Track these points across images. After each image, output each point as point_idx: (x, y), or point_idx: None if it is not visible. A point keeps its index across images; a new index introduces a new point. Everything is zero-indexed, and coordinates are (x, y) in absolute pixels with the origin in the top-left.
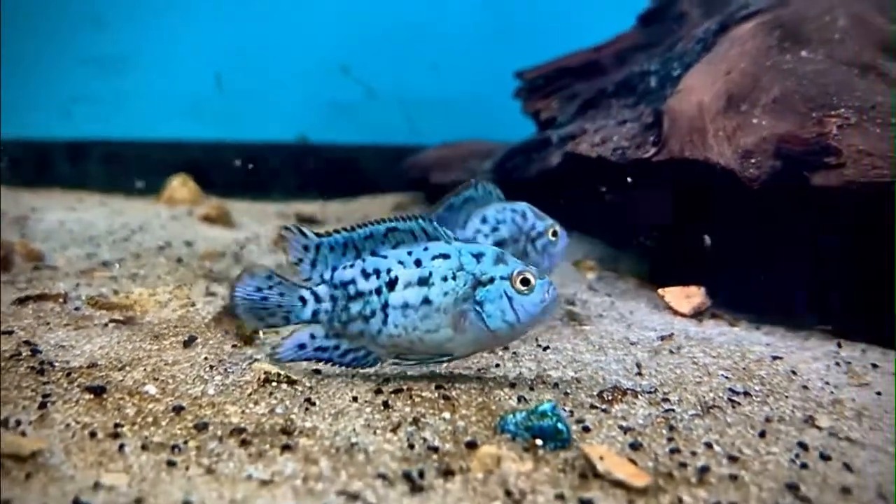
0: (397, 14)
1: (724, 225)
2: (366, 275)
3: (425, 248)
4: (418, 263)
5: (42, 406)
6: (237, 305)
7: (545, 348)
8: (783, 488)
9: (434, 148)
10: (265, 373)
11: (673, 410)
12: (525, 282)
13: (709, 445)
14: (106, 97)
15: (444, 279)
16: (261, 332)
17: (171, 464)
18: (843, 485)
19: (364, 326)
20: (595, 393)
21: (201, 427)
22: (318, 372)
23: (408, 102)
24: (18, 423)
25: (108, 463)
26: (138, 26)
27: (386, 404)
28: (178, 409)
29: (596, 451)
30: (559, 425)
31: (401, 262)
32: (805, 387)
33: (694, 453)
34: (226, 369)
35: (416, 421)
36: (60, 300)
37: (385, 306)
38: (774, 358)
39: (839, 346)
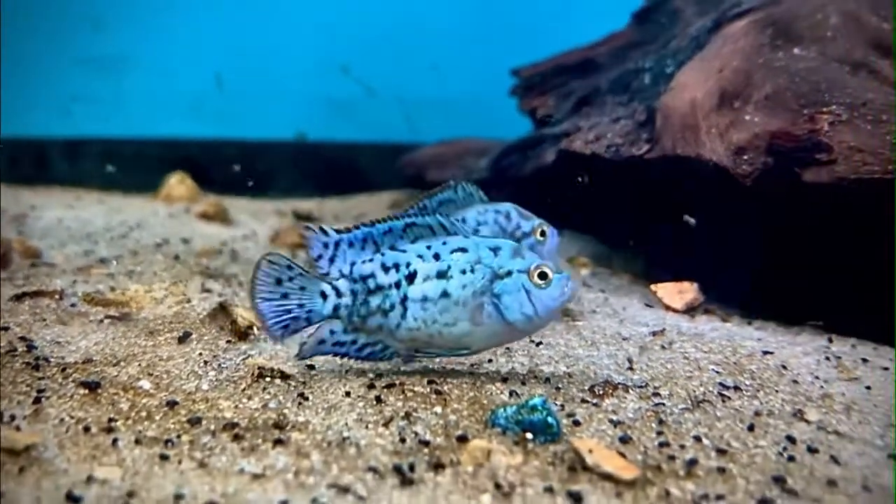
0: (396, 13)
1: (717, 221)
2: (385, 269)
3: (444, 243)
4: (437, 257)
5: (37, 401)
6: (262, 312)
7: (538, 344)
8: (770, 481)
9: (430, 145)
10: (259, 368)
11: (663, 404)
12: (543, 276)
13: (697, 439)
14: (105, 96)
15: (463, 272)
16: (255, 329)
17: (164, 458)
18: (829, 477)
19: (383, 320)
20: (586, 387)
21: (195, 422)
22: (311, 367)
23: (406, 101)
24: (13, 417)
25: (101, 457)
26: (137, 25)
27: (378, 399)
28: (171, 404)
29: (585, 445)
30: (549, 419)
31: (420, 256)
32: (795, 381)
33: (683, 446)
34: (220, 365)
35: (407, 415)
36: (57, 297)
37: (404, 300)
38: (765, 353)
39: (830, 341)
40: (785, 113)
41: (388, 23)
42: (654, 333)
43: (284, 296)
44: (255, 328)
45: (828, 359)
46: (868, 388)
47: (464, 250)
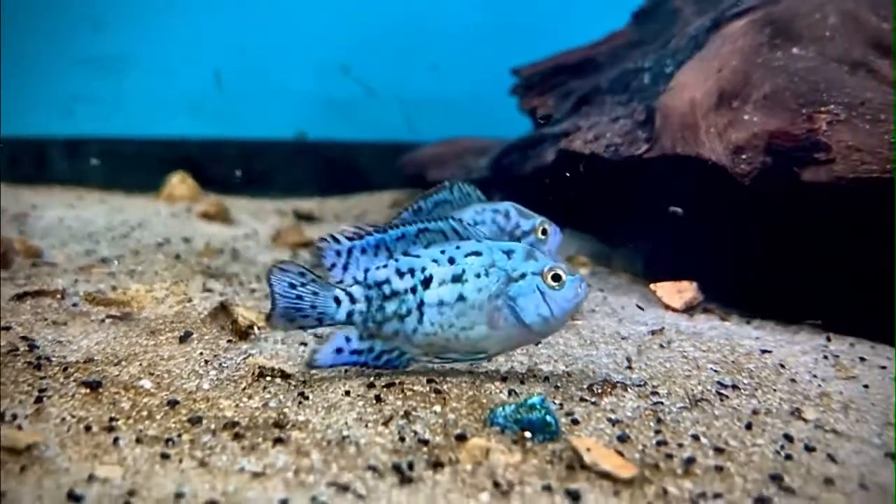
0: (396, 12)
1: (715, 220)
2: (400, 274)
3: (457, 247)
4: (451, 261)
5: (38, 400)
6: (277, 303)
7: (537, 343)
8: (767, 479)
9: (431, 145)
10: (259, 367)
11: (662, 403)
12: (556, 277)
13: (695, 437)
14: (105, 95)
15: (478, 276)
16: (256, 329)
17: (164, 456)
18: (826, 476)
19: (399, 326)
20: (585, 386)
21: (195, 421)
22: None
23: (406, 100)
24: (15, 416)
25: (102, 455)
26: (138, 25)
27: (378, 398)
28: (172, 404)
29: (583, 443)
30: (548, 418)
31: (434, 261)
32: (793, 380)
33: (681, 445)
34: (221, 364)
35: (407, 414)
36: (58, 296)
37: (421, 304)
38: (763, 351)
39: (828, 339)
40: (784, 112)
41: (387, 22)
42: (652, 332)
43: (298, 297)
44: (255, 328)
45: (826, 357)
46: (866, 386)
47: (478, 254)
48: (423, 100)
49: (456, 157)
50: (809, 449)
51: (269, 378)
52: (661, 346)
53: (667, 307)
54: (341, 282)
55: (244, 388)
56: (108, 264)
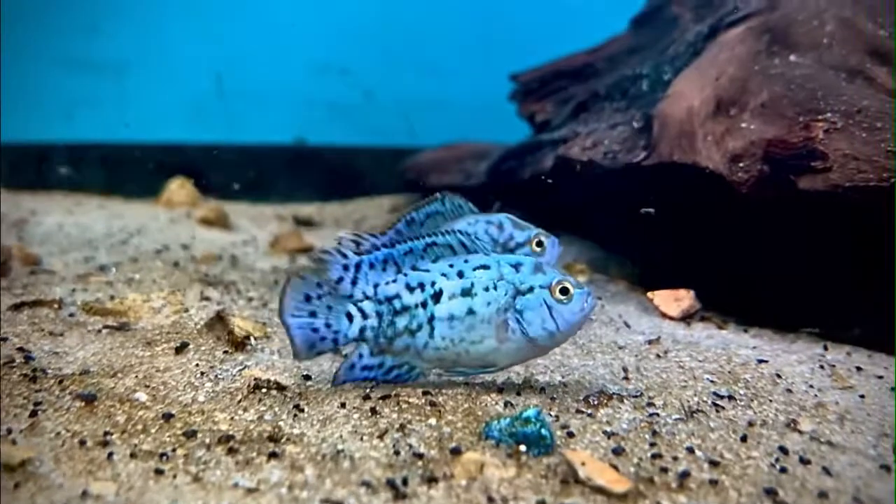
0: (395, 17)
1: (713, 228)
2: (410, 289)
3: (465, 261)
4: (460, 275)
5: (33, 414)
6: (291, 326)
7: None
8: (762, 493)
9: (431, 150)
10: (255, 379)
11: (657, 415)
12: (564, 291)
13: (690, 450)
14: (105, 100)
15: (486, 289)
16: (252, 339)
17: (158, 472)
18: (821, 489)
19: (410, 341)
20: (581, 398)
21: (190, 434)
22: (307, 378)
23: (406, 105)
24: (10, 431)
25: (96, 471)
26: (137, 30)
27: (374, 410)
28: (167, 417)
29: (578, 457)
30: (543, 431)
31: (444, 275)
32: (789, 390)
33: (675, 458)
34: (216, 376)
35: (402, 427)
36: (55, 306)
37: (431, 319)
38: (760, 361)
39: (825, 348)
40: (781, 120)
41: (386, 26)
42: (649, 342)
43: (312, 314)
44: (251, 338)
45: (822, 367)
46: (862, 396)
47: (486, 267)
48: (422, 103)
49: (456, 163)
50: (804, 461)
51: (264, 390)
52: (658, 356)
53: (664, 315)
54: (350, 296)
55: (239, 401)
56: (106, 272)
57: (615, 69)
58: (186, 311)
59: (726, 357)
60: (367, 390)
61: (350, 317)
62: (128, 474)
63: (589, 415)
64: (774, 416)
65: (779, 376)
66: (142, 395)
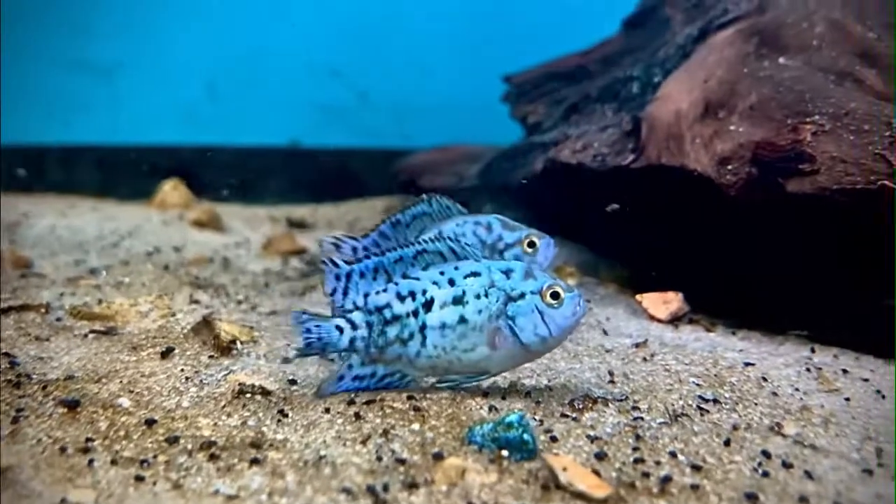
0: (388, 19)
1: (701, 231)
2: (401, 298)
3: (456, 268)
4: (451, 283)
5: (15, 420)
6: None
7: None
8: (742, 497)
9: (424, 152)
10: (240, 384)
11: (642, 419)
12: (555, 295)
13: (673, 455)
14: (99, 103)
15: (478, 297)
16: (239, 344)
17: (139, 479)
18: (802, 493)
19: (402, 350)
20: (566, 401)
21: (172, 441)
22: (293, 382)
23: (399, 106)
24: None
25: (76, 479)
26: (130, 32)
27: (358, 415)
28: (150, 423)
29: (560, 462)
30: (525, 436)
31: (435, 283)
32: (775, 393)
33: (658, 462)
34: (201, 381)
35: (385, 432)
36: (43, 310)
37: (423, 328)
38: (746, 364)
39: (812, 351)
40: (769, 123)
41: (379, 28)
42: (636, 345)
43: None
44: (238, 343)
45: (808, 370)
46: (847, 399)
47: (477, 274)
48: (415, 105)
49: (449, 165)
50: (787, 465)
51: (249, 395)
52: (645, 359)
53: (652, 318)
54: (342, 307)
55: (224, 406)
56: (96, 275)
57: (607, 71)
58: (174, 315)
59: (713, 360)
60: (353, 395)
61: (339, 329)
62: (108, 481)
63: (573, 419)
64: (759, 419)
65: (765, 379)
66: (125, 401)
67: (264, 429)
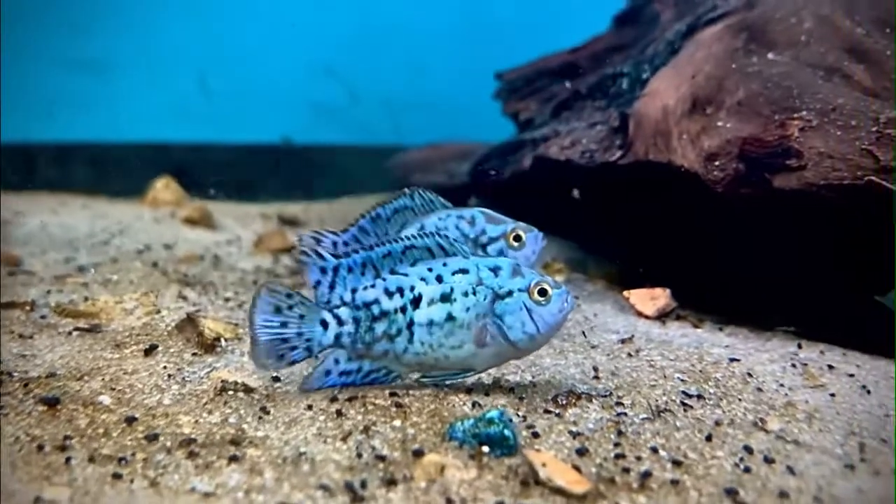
0: (381, 16)
1: (689, 227)
2: (389, 294)
3: (444, 264)
4: (439, 279)
5: None
6: (258, 337)
7: None
8: (722, 493)
9: (416, 149)
10: (223, 381)
11: (625, 414)
12: (542, 292)
13: (654, 450)
14: (90, 100)
15: (465, 294)
16: (223, 341)
17: (116, 476)
18: (782, 489)
19: (389, 346)
20: (550, 397)
21: (152, 438)
22: (277, 379)
23: (391, 103)
24: None
25: (52, 476)
26: (121, 29)
27: (339, 412)
28: (130, 420)
29: (539, 458)
30: (506, 432)
31: (423, 279)
32: (759, 389)
33: (639, 458)
34: (184, 378)
35: (366, 429)
36: (28, 308)
37: (410, 324)
38: (732, 360)
39: (799, 346)
40: (757, 119)
41: (372, 25)
42: (622, 341)
43: (283, 324)
44: (222, 340)
45: (794, 366)
46: (832, 395)
47: (465, 271)
48: (407, 102)
49: (440, 162)
50: (769, 461)
51: (231, 392)
52: (630, 354)
53: (639, 314)
54: (328, 301)
55: (205, 404)
56: (84, 273)
57: (598, 68)
58: (158, 312)
59: (698, 356)
60: (336, 392)
61: (325, 324)
62: (84, 479)
63: (556, 415)
64: (742, 415)
65: (750, 375)
66: (106, 399)
67: (245, 426)
